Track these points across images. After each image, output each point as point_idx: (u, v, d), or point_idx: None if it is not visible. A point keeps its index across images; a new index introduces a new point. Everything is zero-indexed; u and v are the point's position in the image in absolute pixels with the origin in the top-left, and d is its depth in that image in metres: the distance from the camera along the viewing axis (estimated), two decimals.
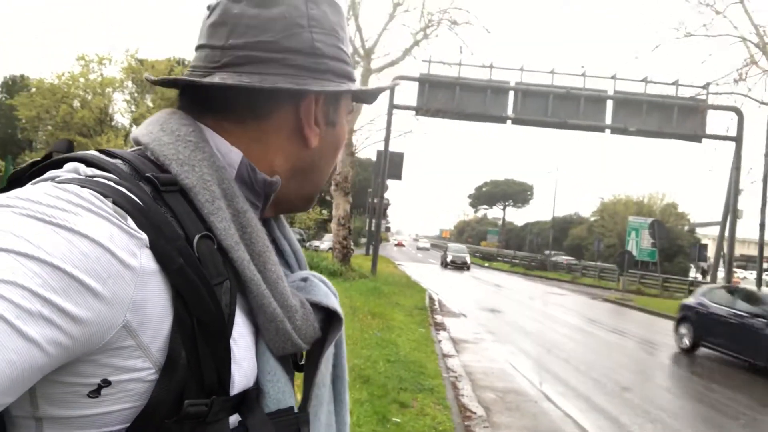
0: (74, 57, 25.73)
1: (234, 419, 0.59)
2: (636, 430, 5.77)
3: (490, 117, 21.31)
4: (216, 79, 0.65)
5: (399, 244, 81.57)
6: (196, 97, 0.69)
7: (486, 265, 44.86)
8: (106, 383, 0.51)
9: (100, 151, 0.62)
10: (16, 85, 33.86)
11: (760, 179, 17.29)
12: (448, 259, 35.95)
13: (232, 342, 0.58)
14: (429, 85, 20.88)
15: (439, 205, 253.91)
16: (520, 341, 10.65)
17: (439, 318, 12.34)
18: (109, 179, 0.55)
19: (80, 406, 0.51)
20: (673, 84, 20.98)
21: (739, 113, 20.10)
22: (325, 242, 29.46)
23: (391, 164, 20.31)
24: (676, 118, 20.49)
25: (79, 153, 0.60)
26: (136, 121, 25.80)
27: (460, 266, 34.75)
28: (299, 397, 0.70)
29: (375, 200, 23.91)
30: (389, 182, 24.39)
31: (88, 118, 24.82)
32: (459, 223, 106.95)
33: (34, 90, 26.20)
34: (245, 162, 0.67)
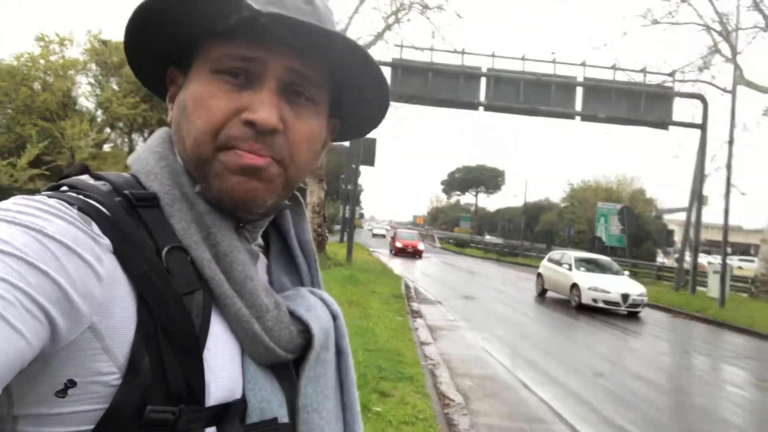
0: (33, 37, 24.73)
1: (211, 431, 0.58)
2: (611, 415, 5.88)
3: (462, 103, 21.34)
4: None
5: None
6: None
7: (460, 251, 45.17)
8: (72, 384, 0.52)
9: (90, 174, 0.63)
10: None
11: (724, 166, 17.77)
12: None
13: (206, 352, 0.58)
14: (402, 70, 20.76)
15: (413, 192, 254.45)
16: (495, 327, 10.77)
17: (415, 305, 12.40)
18: (79, 193, 0.57)
19: (50, 405, 0.52)
20: (640, 71, 21.29)
21: (703, 101, 20.55)
22: None
23: (364, 150, 20.19)
24: (643, 105, 20.83)
25: (68, 179, 0.61)
26: (101, 105, 25.06)
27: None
28: None
29: (349, 187, 23.80)
30: (362, 168, 24.30)
31: (50, 102, 23.93)
32: (432, 209, 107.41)
33: None
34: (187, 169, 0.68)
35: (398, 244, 31.53)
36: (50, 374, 0.51)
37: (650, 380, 7.59)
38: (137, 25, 0.64)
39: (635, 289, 14.04)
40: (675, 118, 21.15)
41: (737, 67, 18.93)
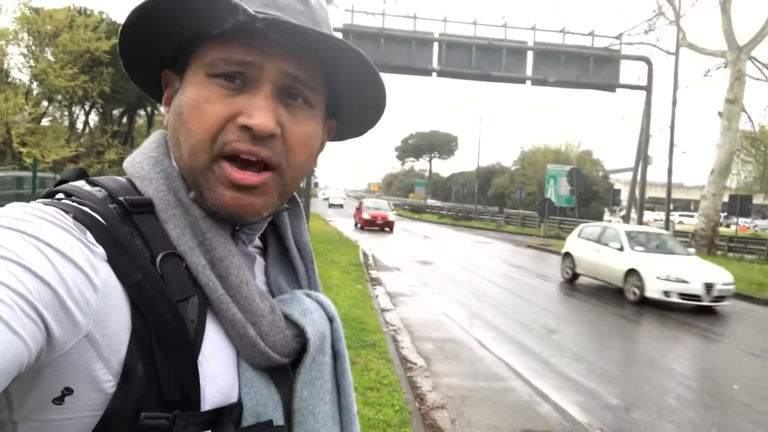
0: None
1: None
2: (564, 369, 6.20)
3: (415, 69, 21.26)
4: None
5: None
6: None
7: (416, 217, 45.66)
8: (69, 391, 0.52)
9: (87, 180, 0.64)
10: None
11: (668, 126, 18.46)
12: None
13: (201, 357, 0.58)
14: (353, 36, 20.45)
15: (367, 160, 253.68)
16: (453, 291, 11.05)
17: (374, 273, 12.54)
18: (74, 201, 0.58)
19: (48, 411, 0.53)
20: (589, 35, 21.69)
21: (649, 63, 21.17)
22: None
23: None
24: (592, 68, 21.26)
25: (64, 186, 0.62)
26: (37, 77, 23.69)
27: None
28: None
29: None
30: None
31: None
32: (387, 176, 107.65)
33: None
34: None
35: (365, 216, 26.78)
36: (48, 382, 0.52)
37: (600, 334, 7.96)
38: (132, 28, 0.63)
39: (720, 275, 10.43)
40: (622, 80, 21.70)
41: (680, 29, 19.54)
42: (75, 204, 0.57)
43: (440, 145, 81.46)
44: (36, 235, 0.51)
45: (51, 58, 24.48)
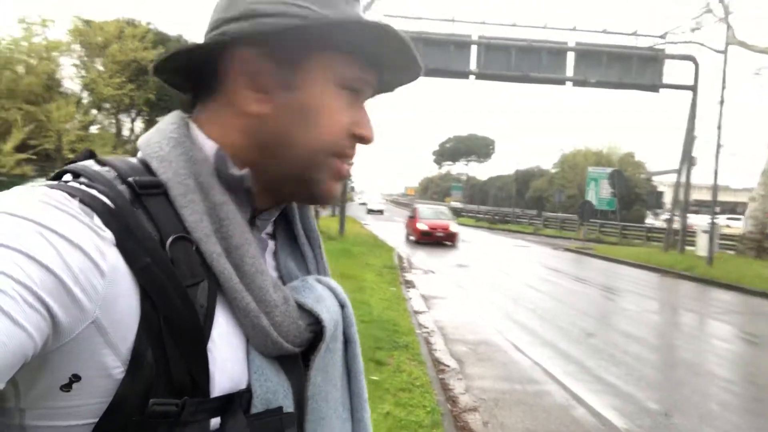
0: (14, 19, 24.17)
1: (216, 421, 0.58)
2: (602, 373, 6.07)
3: (453, 72, 21.16)
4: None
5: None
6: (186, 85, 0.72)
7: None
8: (77, 378, 0.52)
9: (96, 160, 0.63)
10: None
11: (716, 127, 17.84)
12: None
13: (210, 343, 0.58)
14: None
15: (404, 163, 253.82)
16: (488, 294, 10.95)
17: (408, 276, 12.54)
18: (81, 183, 0.57)
19: (56, 399, 0.53)
20: (632, 35, 21.19)
21: (695, 62, 20.50)
22: None
23: None
24: (635, 68, 20.73)
25: (72, 165, 0.61)
26: (87, 86, 24.64)
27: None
28: None
29: None
30: None
31: (34, 85, 23.52)
32: (423, 180, 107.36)
33: None
34: (219, 154, 0.66)
35: (421, 227, 21.47)
36: (55, 369, 0.52)
37: (641, 338, 7.80)
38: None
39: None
40: (666, 80, 21.10)
41: (729, 26, 18.89)
42: (83, 187, 0.56)
43: (478, 148, 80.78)
44: (40, 222, 0.50)
45: (100, 68, 25.45)
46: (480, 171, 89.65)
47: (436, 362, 6.01)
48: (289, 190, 0.70)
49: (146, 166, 0.63)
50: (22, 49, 23.89)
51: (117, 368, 0.53)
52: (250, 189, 0.67)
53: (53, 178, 0.60)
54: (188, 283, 0.57)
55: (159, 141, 0.65)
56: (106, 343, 0.52)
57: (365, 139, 0.70)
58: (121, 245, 0.54)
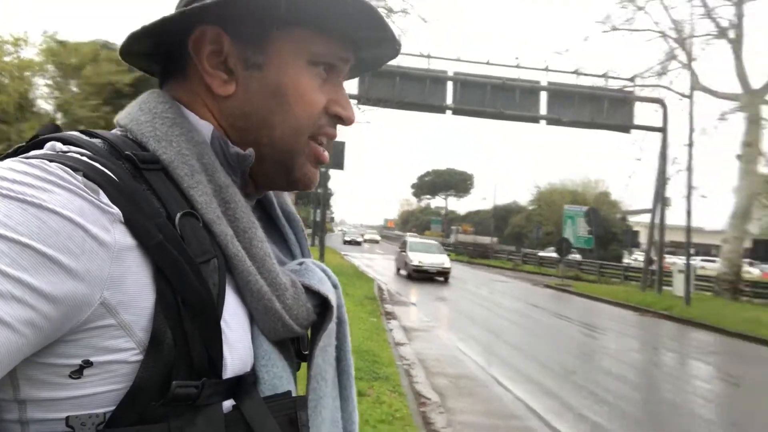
0: None
1: (228, 404, 0.56)
2: (584, 410, 5.96)
3: (430, 107, 21.46)
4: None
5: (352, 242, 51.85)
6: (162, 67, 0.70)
7: None
8: (88, 364, 0.49)
9: (82, 131, 0.59)
10: None
11: (685, 168, 18.25)
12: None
13: (223, 323, 0.56)
14: (370, 73, 20.79)
15: (383, 196, 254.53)
16: (469, 328, 10.82)
17: (389, 307, 12.39)
18: (82, 154, 0.53)
19: (63, 388, 0.49)
20: (602, 76, 21.75)
21: (663, 105, 21.07)
22: None
23: (333, 154, 20.01)
24: (606, 109, 21.24)
25: (59, 133, 0.57)
26: (60, 107, 24.35)
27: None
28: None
29: (319, 190, 23.66)
30: (331, 172, 24.16)
31: (7, 104, 23.15)
32: (403, 212, 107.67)
33: None
34: (216, 135, 0.63)
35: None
36: (63, 356, 0.49)
37: (622, 376, 7.73)
38: None
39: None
40: (636, 121, 21.63)
41: (693, 73, 19.54)
42: (84, 158, 0.52)
43: (456, 183, 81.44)
44: (38, 203, 0.46)
45: (75, 89, 25.22)
46: (459, 206, 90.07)
47: (418, 395, 5.84)
48: (267, 176, 0.67)
49: (135, 141, 0.60)
50: None
51: (132, 350, 0.50)
52: (246, 171, 0.65)
53: (32, 147, 0.55)
54: (200, 260, 0.55)
55: (151, 120, 0.61)
56: (119, 325, 0.50)
57: (344, 119, 0.67)
58: (130, 222, 0.51)
